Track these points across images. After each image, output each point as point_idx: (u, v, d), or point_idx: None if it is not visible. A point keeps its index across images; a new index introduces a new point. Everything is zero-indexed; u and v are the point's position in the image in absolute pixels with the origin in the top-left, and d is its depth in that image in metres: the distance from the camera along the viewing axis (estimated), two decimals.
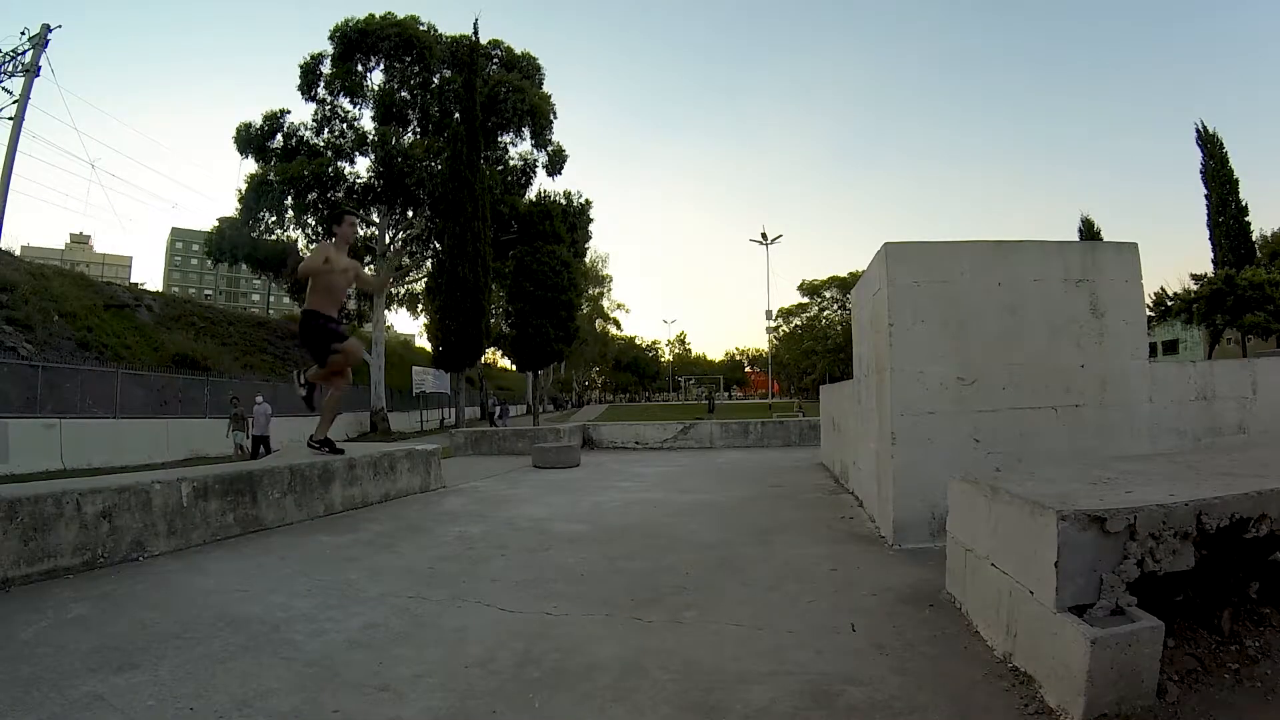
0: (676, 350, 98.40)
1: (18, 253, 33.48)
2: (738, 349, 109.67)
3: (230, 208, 35.72)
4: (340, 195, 25.95)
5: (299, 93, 26.07)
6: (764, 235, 49.65)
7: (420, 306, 32.32)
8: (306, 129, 26.28)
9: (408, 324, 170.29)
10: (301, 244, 27.39)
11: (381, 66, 26.58)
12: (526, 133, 29.35)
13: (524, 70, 29.72)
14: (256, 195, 24.93)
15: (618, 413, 42.16)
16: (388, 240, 27.99)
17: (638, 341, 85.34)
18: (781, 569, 3.15)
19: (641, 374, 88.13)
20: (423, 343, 44.39)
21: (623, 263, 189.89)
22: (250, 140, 25.83)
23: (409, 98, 26.90)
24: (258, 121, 26.03)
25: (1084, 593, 1.72)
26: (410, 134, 27.27)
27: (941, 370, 3.56)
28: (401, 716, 1.77)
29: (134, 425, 16.34)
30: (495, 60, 29.61)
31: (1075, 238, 35.58)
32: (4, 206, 16.35)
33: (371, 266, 28.22)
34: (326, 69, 26.05)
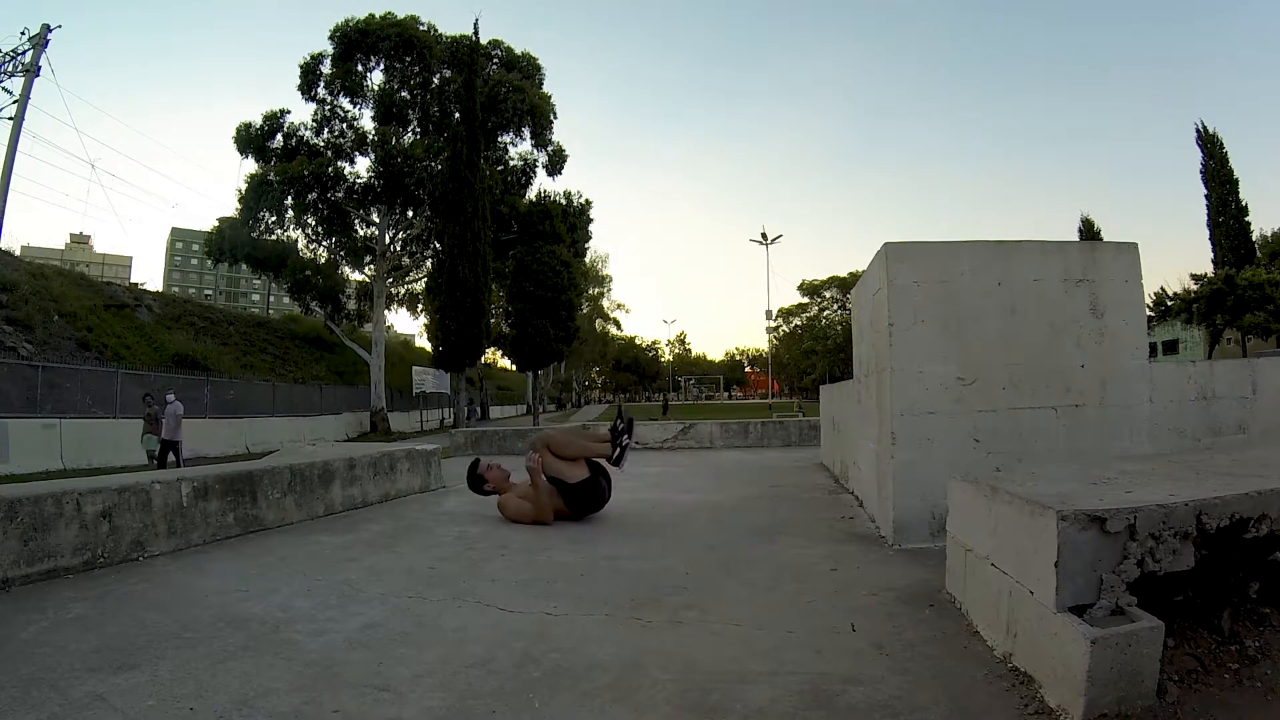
0: (676, 350, 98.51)
1: (18, 253, 33.49)
2: (738, 349, 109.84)
3: (230, 208, 35.68)
4: (340, 195, 25.96)
5: (299, 93, 26.06)
6: (764, 235, 49.71)
7: (420, 306, 32.32)
8: (306, 129, 26.28)
9: (408, 324, 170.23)
10: (301, 243, 27.41)
11: (381, 66, 26.58)
12: (526, 133, 29.36)
13: (524, 70, 29.73)
14: (256, 195, 24.92)
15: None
16: (388, 240, 28.00)
17: (638, 341, 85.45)
18: (781, 569, 3.15)
19: (641, 374, 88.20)
20: (423, 343, 44.38)
21: (623, 263, 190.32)
22: (250, 140, 25.83)
23: (409, 98, 26.90)
24: (258, 121, 26.03)
25: (1084, 593, 1.72)
26: (410, 134, 27.27)
27: (941, 370, 3.56)
28: (401, 716, 1.77)
29: (134, 425, 16.28)
30: (495, 60, 29.61)
31: (1075, 238, 35.60)
32: (4, 206, 16.36)
33: (371, 266, 28.25)
34: (326, 69, 26.04)
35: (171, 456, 12.18)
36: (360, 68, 26.27)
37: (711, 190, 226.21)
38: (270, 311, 54.12)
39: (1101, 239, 24.00)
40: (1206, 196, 36.04)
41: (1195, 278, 32.12)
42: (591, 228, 35.57)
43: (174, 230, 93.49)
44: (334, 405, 26.53)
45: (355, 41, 25.75)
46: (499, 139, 29.04)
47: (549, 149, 30.23)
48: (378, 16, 26.04)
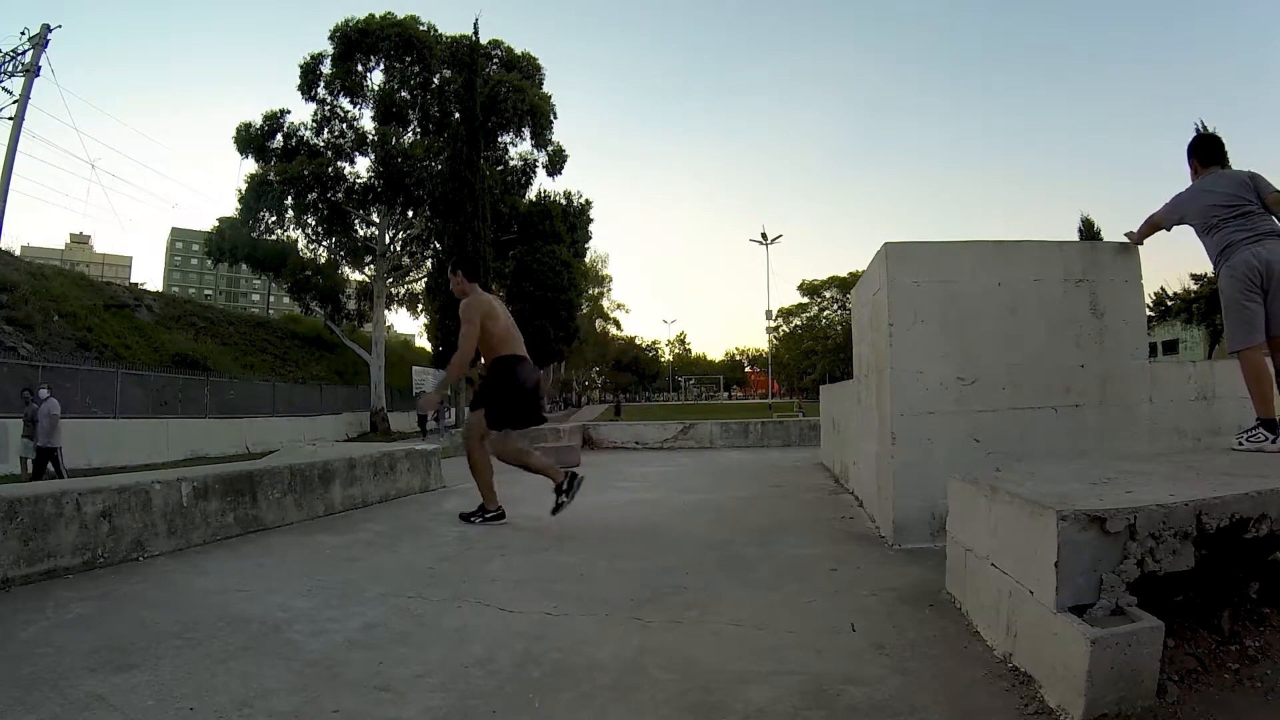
0: (676, 350, 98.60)
1: (18, 253, 33.52)
2: (738, 349, 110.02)
3: (230, 208, 35.74)
4: (340, 195, 25.95)
5: (299, 93, 26.12)
6: (764, 235, 49.76)
7: (420, 306, 32.32)
8: (306, 129, 26.32)
9: (408, 324, 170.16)
10: (301, 243, 27.40)
11: (381, 66, 26.60)
12: (526, 133, 29.39)
13: (524, 70, 29.74)
14: (256, 195, 24.96)
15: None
16: (388, 240, 27.99)
17: (638, 341, 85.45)
18: (781, 569, 3.15)
19: (641, 374, 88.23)
20: (423, 343, 44.39)
21: (623, 262, 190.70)
22: (250, 140, 25.85)
23: (409, 98, 26.91)
24: (258, 121, 26.06)
25: (1084, 593, 1.72)
26: (410, 134, 27.28)
27: (941, 370, 3.56)
28: (401, 716, 1.77)
29: (134, 425, 16.35)
30: (495, 60, 29.62)
31: (1075, 238, 35.58)
32: (4, 206, 16.35)
33: (371, 266, 28.24)
34: (326, 69, 26.06)
35: (51, 467, 9.78)
36: (360, 68, 26.28)
37: (711, 190, 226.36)
38: (270, 311, 54.15)
39: (1101, 239, 23.92)
40: None
41: (1195, 278, 32.14)
42: (591, 228, 35.63)
43: (174, 230, 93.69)
44: (334, 405, 26.56)
45: (355, 42, 25.76)
46: (499, 139, 29.06)
47: (549, 149, 30.25)
48: (378, 16, 26.05)
